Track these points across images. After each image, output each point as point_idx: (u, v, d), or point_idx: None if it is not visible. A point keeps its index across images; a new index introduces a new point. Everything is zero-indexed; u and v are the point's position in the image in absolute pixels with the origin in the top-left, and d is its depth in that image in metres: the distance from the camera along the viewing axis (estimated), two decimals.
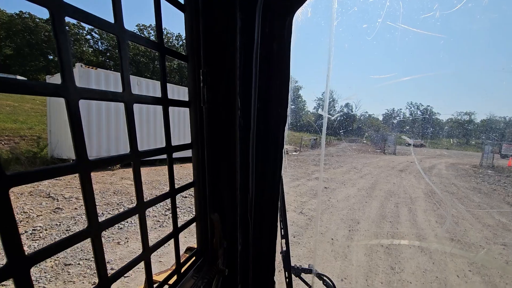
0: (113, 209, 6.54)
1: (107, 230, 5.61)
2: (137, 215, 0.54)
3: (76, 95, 0.38)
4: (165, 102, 0.58)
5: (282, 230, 1.10)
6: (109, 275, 0.48)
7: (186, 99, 0.68)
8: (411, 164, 18.55)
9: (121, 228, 5.33)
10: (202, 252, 0.76)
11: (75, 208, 6.37)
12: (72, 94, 0.37)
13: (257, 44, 0.72)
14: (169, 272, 0.66)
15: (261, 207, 0.91)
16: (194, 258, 0.74)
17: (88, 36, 43.94)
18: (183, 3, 0.61)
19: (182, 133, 12.18)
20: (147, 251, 0.56)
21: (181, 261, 0.72)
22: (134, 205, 0.53)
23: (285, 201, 1.03)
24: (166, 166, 0.64)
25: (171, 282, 0.65)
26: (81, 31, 42.74)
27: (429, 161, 21.27)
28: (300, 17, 0.83)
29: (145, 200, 0.56)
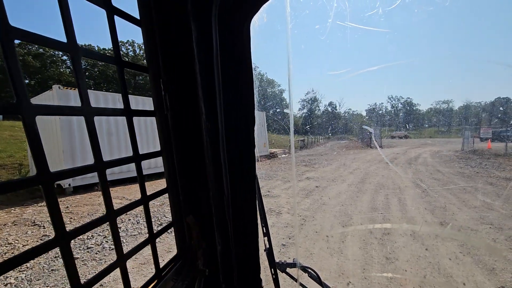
0: (103, 230, 6.37)
1: (98, 244, 5.47)
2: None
3: (32, 111, 0.40)
4: (128, 112, 0.60)
5: (264, 228, 1.12)
6: (82, 283, 0.49)
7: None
8: (398, 156, 19.01)
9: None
10: (181, 255, 0.77)
11: None
12: (27, 111, 0.39)
13: (216, 50, 0.76)
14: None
15: (238, 206, 0.94)
16: (174, 262, 0.76)
17: (65, 57, 43.06)
18: (139, 18, 0.64)
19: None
20: (122, 258, 0.58)
21: (161, 267, 0.74)
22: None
23: (262, 199, 1.06)
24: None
25: (150, 287, 0.67)
26: (56, 52, 41.84)
27: (414, 151, 21.87)
28: (257, 22, 0.88)
29: (115, 208, 0.57)
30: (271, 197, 8.43)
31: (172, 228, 0.78)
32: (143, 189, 0.66)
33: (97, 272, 0.53)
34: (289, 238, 5.46)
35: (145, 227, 6.24)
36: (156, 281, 0.69)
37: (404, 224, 6.05)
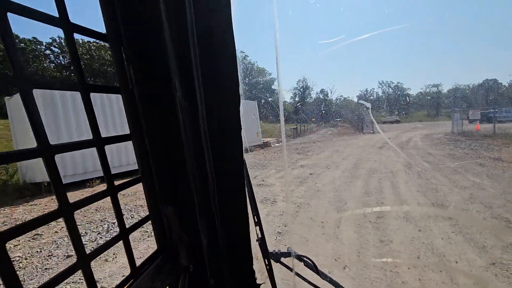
0: (96, 227, 6.26)
1: (92, 241, 5.39)
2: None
3: (28, 84, 0.41)
4: (82, 88, 0.50)
5: (255, 217, 1.05)
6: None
7: None
8: (389, 140, 19.20)
9: None
10: (161, 251, 0.69)
11: (56, 232, 6.04)
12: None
13: (191, 17, 0.66)
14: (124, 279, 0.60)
15: (225, 195, 0.86)
16: (153, 259, 0.68)
17: (47, 51, 41.46)
18: None
19: None
20: (84, 259, 0.49)
21: (139, 264, 0.65)
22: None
23: (251, 185, 0.99)
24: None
25: None
26: (39, 46, 40.27)
27: (405, 135, 22.14)
28: None
29: (73, 202, 0.48)
30: (265, 186, 8.42)
31: (150, 221, 0.69)
32: (109, 178, 0.57)
33: (52, 277, 0.44)
34: (285, 226, 5.47)
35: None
36: (132, 281, 0.60)
37: (397, 207, 6.12)
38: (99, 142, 0.54)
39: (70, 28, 0.49)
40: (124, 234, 0.60)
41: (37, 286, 0.50)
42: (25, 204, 8.45)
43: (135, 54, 0.57)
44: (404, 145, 15.71)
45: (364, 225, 5.19)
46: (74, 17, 0.53)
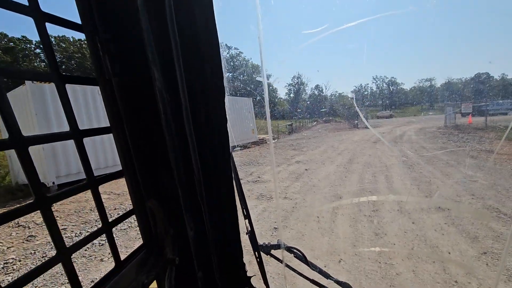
0: (91, 227, 6.22)
1: (88, 248, 5.34)
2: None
3: None
4: (57, 79, 0.49)
5: (244, 209, 1.05)
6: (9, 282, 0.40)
7: None
8: (383, 135, 19.34)
9: (102, 245, 5.07)
10: (146, 244, 0.69)
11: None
12: None
13: (169, 3, 0.64)
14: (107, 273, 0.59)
15: (212, 187, 0.85)
16: (138, 252, 0.67)
17: (38, 50, 40.66)
18: None
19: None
20: (63, 253, 0.49)
21: (124, 259, 0.65)
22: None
23: (239, 179, 0.98)
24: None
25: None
26: (28, 45, 39.49)
27: (399, 129, 22.31)
28: None
29: (51, 194, 0.47)
30: (261, 183, 8.43)
31: (134, 215, 0.68)
32: (88, 171, 0.56)
33: (28, 270, 0.44)
34: (281, 222, 5.49)
35: None
36: (116, 274, 0.60)
37: (392, 200, 6.18)
38: (77, 134, 0.53)
39: (41, 17, 0.47)
40: (106, 227, 0.60)
41: (12, 280, 0.47)
42: (18, 205, 8.34)
43: (111, 43, 0.56)
44: (398, 139, 15.85)
45: (359, 219, 5.24)
46: (46, 7, 0.51)
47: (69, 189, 0.51)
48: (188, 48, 0.71)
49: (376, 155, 11.41)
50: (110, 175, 0.62)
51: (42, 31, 0.48)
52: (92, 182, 0.56)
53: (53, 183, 9.06)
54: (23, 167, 0.44)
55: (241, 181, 1.21)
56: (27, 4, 0.46)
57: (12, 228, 6.46)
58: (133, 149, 0.63)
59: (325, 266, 3.70)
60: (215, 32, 0.73)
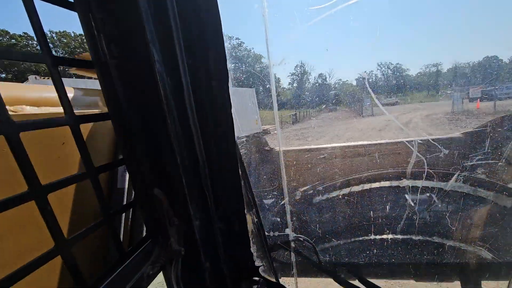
0: None
1: None
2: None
3: None
4: (49, 59, 0.46)
5: (251, 200, 1.03)
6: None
7: None
8: (389, 123, 19.10)
9: None
10: (151, 235, 0.66)
11: None
12: None
13: None
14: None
15: (218, 176, 0.83)
16: (142, 243, 0.65)
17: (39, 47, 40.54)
18: None
19: None
20: (61, 244, 0.46)
21: (128, 250, 0.63)
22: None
23: (245, 168, 0.95)
24: None
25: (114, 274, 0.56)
26: (30, 42, 39.44)
27: (405, 116, 21.98)
28: None
29: (46, 184, 0.45)
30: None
31: (137, 205, 0.66)
32: (87, 160, 0.53)
33: (23, 264, 0.41)
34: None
35: None
36: (119, 266, 0.58)
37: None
38: (72, 120, 0.50)
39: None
40: (108, 218, 0.57)
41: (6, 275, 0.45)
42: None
43: (106, 21, 0.52)
44: (404, 126, 15.60)
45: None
46: None
47: (66, 178, 0.49)
48: (190, 32, 0.67)
49: None
50: (111, 164, 0.59)
51: (31, 9, 0.45)
52: (93, 171, 0.54)
53: None
54: (15, 156, 0.41)
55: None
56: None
57: None
58: (134, 138, 0.60)
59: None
60: (218, 17, 0.68)
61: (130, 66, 0.56)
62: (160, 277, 0.75)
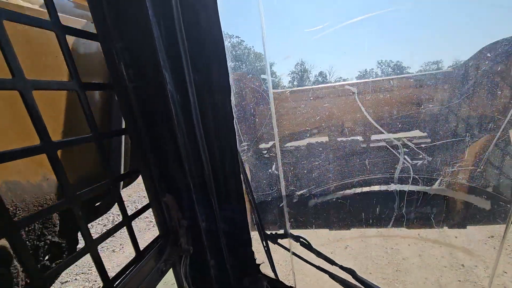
0: (101, 219, 6.41)
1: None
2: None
3: None
4: (78, 87, 0.53)
5: (252, 202, 1.10)
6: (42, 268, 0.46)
7: None
8: None
9: (114, 236, 5.25)
10: (163, 236, 0.74)
11: None
12: None
13: (177, 12, 0.67)
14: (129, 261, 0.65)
15: (222, 181, 0.90)
16: (155, 243, 0.73)
17: None
18: None
19: None
20: (90, 245, 0.54)
21: (143, 249, 0.71)
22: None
23: (246, 172, 1.03)
24: None
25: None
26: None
27: None
28: None
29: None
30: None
31: (151, 209, 0.74)
32: (109, 169, 0.61)
33: (63, 261, 0.49)
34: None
35: None
36: (136, 263, 0.66)
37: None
38: (98, 137, 0.58)
39: (61, 29, 0.51)
40: (127, 220, 0.65)
41: (53, 267, 0.52)
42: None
43: (125, 50, 0.60)
44: None
45: None
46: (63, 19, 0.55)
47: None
48: (195, 50, 0.74)
49: None
50: (128, 173, 0.67)
51: (63, 42, 0.52)
52: (113, 179, 0.61)
53: None
54: (55, 171, 0.49)
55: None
56: (49, 19, 0.49)
57: None
58: (148, 150, 0.68)
59: (331, 253, 3.80)
60: (220, 34, 0.76)
61: (145, 88, 0.64)
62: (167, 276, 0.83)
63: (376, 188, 2.60)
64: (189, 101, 0.74)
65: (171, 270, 0.83)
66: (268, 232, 1.21)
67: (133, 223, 0.73)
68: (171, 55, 0.68)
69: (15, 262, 0.64)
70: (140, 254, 0.68)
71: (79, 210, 0.52)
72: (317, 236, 4.35)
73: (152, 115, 0.67)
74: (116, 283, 0.58)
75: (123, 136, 0.92)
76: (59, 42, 0.52)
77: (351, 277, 1.09)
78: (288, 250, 1.23)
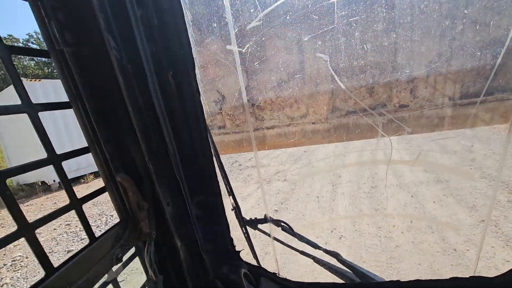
0: (95, 220, 6.30)
1: None
2: None
3: None
4: (2, 50, 0.46)
5: (227, 187, 1.04)
6: None
7: None
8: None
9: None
10: (121, 221, 0.68)
11: (54, 229, 6.07)
12: None
13: None
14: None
15: (191, 163, 0.84)
16: (113, 228, 0.67)
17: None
18: None
19: None
20: (25, 227, 0.48)
21: (99, 235, 0.64)
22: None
23: (219, 155, 0.97)
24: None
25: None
26: (16, 44, 38.64)
27: None
28: None
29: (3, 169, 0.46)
30: (260, 167, 8.47)
31: (107, 192, 0.67)
32: (48, 146, 0.54)
33: None
34: (281, 204, 5.55)
35: None
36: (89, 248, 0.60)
37: (390, 175, 6.22)
38: (31, 108, 0.51)
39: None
40: (76, 203, 0.59)
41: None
42: (21, 204, 8.43)
43: (58, 10, 0.53)
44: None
45: (359, 195, 5.29)
46: None
47: (28, 164, 0.50)
48: (150, 18, 0.68)
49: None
50: (75, 151, 0.60)
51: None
52: (55, 157, 0.55)
53: (54, 180, 9.11)
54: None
55: None
56: None
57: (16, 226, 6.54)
58: (96, 124, 0.61)
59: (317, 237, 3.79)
60: (179, 3, 0.69)
61: (86, 54, 0.57)
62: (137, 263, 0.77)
63: None
64: (144, 71, 0.67)
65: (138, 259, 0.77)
66: (247, 218, 1.16)
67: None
68: (118, 17, 0.61)
69: None
70: (93, 240, 0.62)
71: (7, 188, 0.46)
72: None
73: (97, 85, 0.60)
74: (61, 270, 0.52)
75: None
76: (3, 62, 0.45)
77: (335, 260, 1.04)
78: (269, 235, 1.18)
